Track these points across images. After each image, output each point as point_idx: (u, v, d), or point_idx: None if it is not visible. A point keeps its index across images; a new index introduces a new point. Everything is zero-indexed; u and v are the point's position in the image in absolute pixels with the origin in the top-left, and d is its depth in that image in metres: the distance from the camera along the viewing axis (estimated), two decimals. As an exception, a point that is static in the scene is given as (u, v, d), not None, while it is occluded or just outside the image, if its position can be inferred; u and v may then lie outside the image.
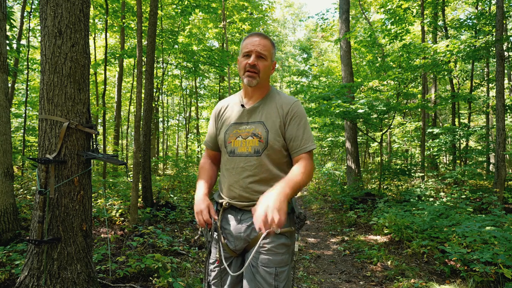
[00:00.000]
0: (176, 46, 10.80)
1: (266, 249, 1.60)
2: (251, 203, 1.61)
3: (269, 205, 1.32)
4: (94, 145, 2.79)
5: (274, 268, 1.60)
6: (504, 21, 8.97)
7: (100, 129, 14.29)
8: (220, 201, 1.74)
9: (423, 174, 9.23)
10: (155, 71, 9.60)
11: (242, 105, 1.71)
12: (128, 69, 15.61)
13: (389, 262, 4.31)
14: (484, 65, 13.15)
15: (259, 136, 1.63)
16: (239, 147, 1.66)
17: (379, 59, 11.85)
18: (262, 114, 1.67)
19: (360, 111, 7.51)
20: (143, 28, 6.33)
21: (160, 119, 17.06)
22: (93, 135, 2.76)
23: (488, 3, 10.84)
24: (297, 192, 1.53)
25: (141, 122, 5.94)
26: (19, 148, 10.50)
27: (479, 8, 11.80)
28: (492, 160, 12.79)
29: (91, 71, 9.53)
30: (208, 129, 1.86)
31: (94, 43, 11.36)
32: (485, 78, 12.54)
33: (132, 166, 6.93)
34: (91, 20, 9.29)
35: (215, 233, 1.71)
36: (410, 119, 14.85)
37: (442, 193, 7.05)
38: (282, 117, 1.65)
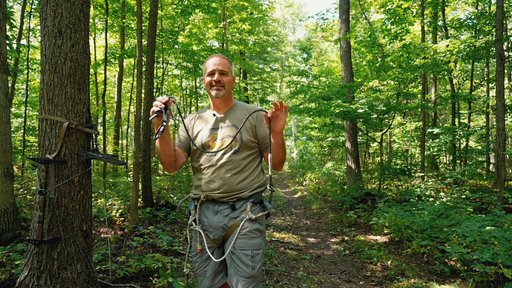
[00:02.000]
0: (176, 46, 10.80)
1: (242, 234, 1.84)
2: (228, 194, 1.87)
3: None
4: (94, 145, 2.79)
5: (250, 251, 1.83)
6: (504, 21, 8.97)
7: (100, 129, 14.29)
8: (196, 196, 1.96)
9: (423, 174, 9.23)
10: (155, 71, 9.60)
11: (214, 114, 2.01)
12: (128, 69, 15.60)
13: (389, 262, 4.31)
14: (484, 65, 13.14)
15: (234, 136, 1.91)
16: (217, 147, 1.92)
17: (379, 59, 11.84)
18: (233, 120, 1.97)
19: (360, 111, 7.51)
20: (143, 28, 6.33)
21: (160, 119, 17.03)
22: (93, 135, 2.76)
23: (488, 3, 10.83)
24: (283, 147, 1.86)
25: (141, 122, 5.94)
26: (19, 148, 10.50)
27: (479, 8, 11.80)
28: (492, 160, 12.79)
29: (91, 71, 9.53)
30: (179, 135, 2.07)
31: (94, 43, 11.36)
32: (485, 78, 12.53)
33: (132, 166, 6.93)
34: (91, 20, 9.29)
35: (196, 226, 1.92)
36: (410, 119, 14.84)
37: (442, 193, 7.05)
38: (252, 121, 1.96)
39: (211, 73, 1.94)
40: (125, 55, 9.11)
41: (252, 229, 1.86)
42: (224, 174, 1.88)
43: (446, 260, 4.08)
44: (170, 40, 10.71)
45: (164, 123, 1.66)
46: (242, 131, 1.93)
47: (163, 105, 1.67)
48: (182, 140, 2.03)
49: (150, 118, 1.69)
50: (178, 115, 1.63)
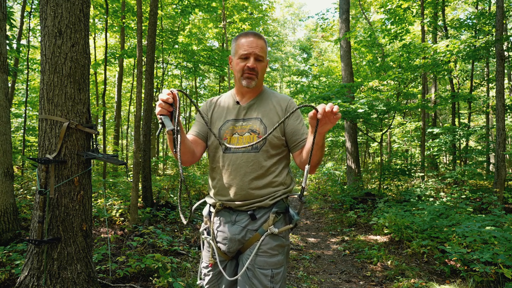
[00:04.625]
0: (176, 46, 10.81)
1: (262, 250, 1.57)
2: (247, 202, 1.59)
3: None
4: (94, 145, 2.79)
5: (270, 270, 1.57)
6: (504, 21, 8.97)
7: (100, 129, 14.29)
8: (212, 202, 1.69)
9: (423, 174, 9.23)
10: (155, 71, 9.61)
11: (237, 102, 1.69)
12: (128, 69, 15.60)
13: (389, 262, 4.31)
14: (484, 65, 13.15)
15: (257, 132, 1.61)
16: (236, 144, 1.62)
17: (379, 59, 11.85)
18: (259, 111, 1.65)
19: (360, 111, 7.51)
20: (143, 28, 6.33)
21: (160, 119, 17.01)
22: (93, 135, 2.76)
23: (488, 3, 10.83)
24: (323, 147, 1.49)
25: (141, 122, 5.94)
26: (19, 148, 10.50)
27: (479, 8, 11.80)
28: (492, 160, 12.79)
29: (91, 71, 9.53)
30: (196, 121, 1.76)
31: (94, 43, 11.36)
32: (485, 78, 12.54)
33: (132, 166, 6.93)
34: (91, 20, 9.29)
35: (208, 236, 1.67)
36: (410, 119, 14.85)
37: (442, 193, 7.05)
38: (281, 114, 1.65)
39: (245, 57, 1.58)
40: (125, 55, 9.11)
41: (274, 246, 1.58)
42: (242, 177, 1.58)
43: (446, 260, 4.08)
44: (170, 40, 10.72)
45: (175, 132, 1.32)
46: (267, 126, 1.61)
47: (168, 110, 1.30)
48: (200, 128, 1.71)
49: (156, 134, 1.40)
50: (193, 105, 1.29)
